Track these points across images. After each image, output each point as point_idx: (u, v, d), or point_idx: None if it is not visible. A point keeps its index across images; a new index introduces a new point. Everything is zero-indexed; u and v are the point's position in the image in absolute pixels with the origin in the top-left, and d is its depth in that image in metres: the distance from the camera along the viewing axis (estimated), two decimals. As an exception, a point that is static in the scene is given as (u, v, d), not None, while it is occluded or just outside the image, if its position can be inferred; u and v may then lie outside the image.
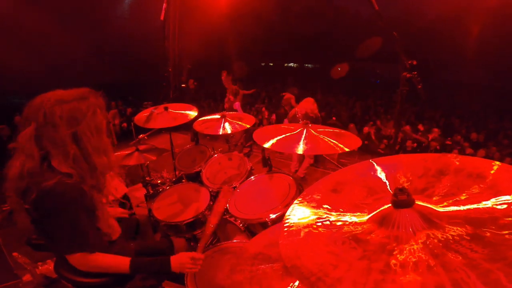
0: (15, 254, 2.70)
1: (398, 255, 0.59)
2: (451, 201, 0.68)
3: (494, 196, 0.64)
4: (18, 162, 1.24)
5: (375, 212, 0.71)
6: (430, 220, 0.63)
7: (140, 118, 2.72)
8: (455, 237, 0.58)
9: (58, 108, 1.23)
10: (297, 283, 1.06)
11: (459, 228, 0.60)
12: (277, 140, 1.77)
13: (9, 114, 7.44)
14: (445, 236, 0.59)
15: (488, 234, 0.57)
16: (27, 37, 9.54)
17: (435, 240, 0.59)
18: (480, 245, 0.55)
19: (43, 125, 1.22)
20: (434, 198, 0.71)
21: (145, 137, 3.21)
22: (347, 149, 1.63)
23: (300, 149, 1.68)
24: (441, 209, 0.66)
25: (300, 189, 2.05)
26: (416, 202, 0.66)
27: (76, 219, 1.26)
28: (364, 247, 0.64)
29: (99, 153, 1.32)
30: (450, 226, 0.61)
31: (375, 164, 0.87)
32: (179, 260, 1.47)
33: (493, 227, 0.58)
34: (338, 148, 1.64)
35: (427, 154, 0.86)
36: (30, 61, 9.65)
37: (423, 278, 0.53)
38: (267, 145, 1.75)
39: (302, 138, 1.74)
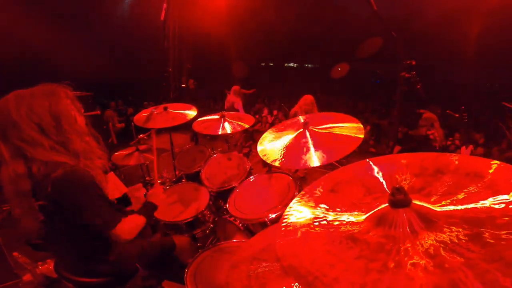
0: (15, 253, 2.70)
1: (395, 255, 0.59)
2: (448, 200, 0.68)
3: (492, 196, 0.64)
4: (3, 167, 1.27)
5: (372, 212, 0.71)
6: (428, 219, 0.63)
7: (140, 118, 2.72)
8: (452, 237, 0.58)
9: (14, 106, 1.26)
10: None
11: (456, 228, 0.60)
12: (284, 156, 1.58)
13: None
14: (442, 236, 0.59)
15: (486, 234, 0.57)
16: (26, 36, 9.55)
17: (433, 240, 0.59)
18: (477, 245, 0.55)
19: (4, 127, 1.25)
20: (432, 199, 0.70)
21: (145, 137, 3.21)
22: (361, 136, 1.49)
23: (315, 159, 1.46)
24: (438, 209, 0.66)
25: (300, 188, 2.05)
26: (413, 202, 0.66)
27: (99, 196, 1.32)
28: (361, 246, 0.64)
29: (75, 139, 1.34)
30: (447, 226, 0.61)
31: (372, 164, 0.87)
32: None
33: (491, 227, 0.57)
34: (354, 139, 1.48)
35: (426, 153, 0.86)
36: (30, 60, 9.65)
37: (420, 278, 0.53)
38: (276, 163, 1.57)
39: (311, 145, 1.55)
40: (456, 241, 0.57)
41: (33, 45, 9.82)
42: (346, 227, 0.70)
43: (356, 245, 0.64)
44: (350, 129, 1.58)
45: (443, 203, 0.68)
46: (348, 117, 1.70)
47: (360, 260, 0.60)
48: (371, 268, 0.58)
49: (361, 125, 1.59)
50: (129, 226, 1.42)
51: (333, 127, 1.66)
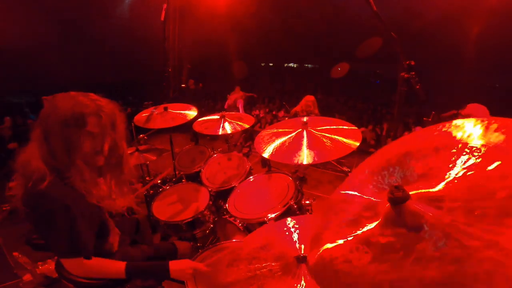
0: (15, 253, 2.70)
1: (406, 252, 0.59)
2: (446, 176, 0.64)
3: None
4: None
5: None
6: (430, 205, 0.61)
7: (140, 118, 2.73)
8: (454, 221, 0.57)
9: (52, 104, 1.24)
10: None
11: (457, 210, 0.58)
12: (277, 150, 1.67)
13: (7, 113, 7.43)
14: (447, 221, 0.57)
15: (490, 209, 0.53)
16: (26, 35, 9.55)
17: (438, 231, 0.57)
18: (484, 222, 0.52)
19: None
20: (434, 182, 0.66)
21: (145, 137, 3.21)
22: (357, 144, 1.54)
23: (305, 158, 1.53)
24: (439, 188, 0.63)
25: (299, 189, 2.05)
26: (411, 193, 0.64)
27: (70, 224, 1.22)
28: (374, 249, 0.64)
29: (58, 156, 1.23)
30: (450, 208, 0.59)
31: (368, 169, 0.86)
32: (180, 267, 1.45)
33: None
34: (347, 146, 1.54)
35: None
36: (30, 60, 9.65)
37: (427, 274, 0.53)
38: (266, 155, 1.66)
39: (305, 144, 1.63)
40: (459, 224, 0.56)
41: (33, 44, 9.81)
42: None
43: (370, 249, 0.65)
44: (348, 136, 1.63)
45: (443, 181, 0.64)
46: (349, 124, 1.76)
47: (373, 263, 0.61)
48: (382, 270, 0.59)
49: (360, 133, 1.65)
50: (87, 270, 1.32)
51: (332, 131, 1.71)
